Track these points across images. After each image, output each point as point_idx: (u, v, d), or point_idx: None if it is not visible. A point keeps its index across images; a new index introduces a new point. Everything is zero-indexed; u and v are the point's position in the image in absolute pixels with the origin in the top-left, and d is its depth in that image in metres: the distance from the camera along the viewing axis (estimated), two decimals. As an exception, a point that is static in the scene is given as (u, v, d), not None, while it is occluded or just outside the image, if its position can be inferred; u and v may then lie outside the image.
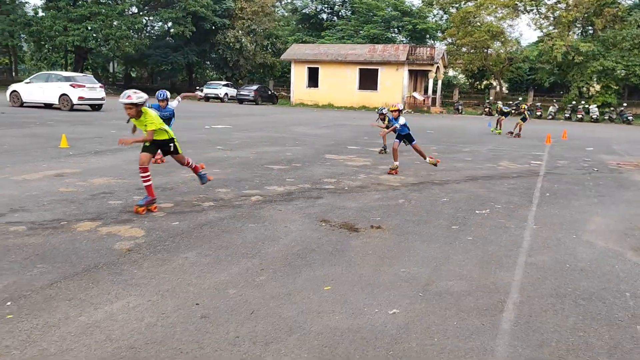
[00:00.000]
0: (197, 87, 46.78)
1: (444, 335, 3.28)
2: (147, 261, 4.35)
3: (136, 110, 5.74)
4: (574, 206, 7.35)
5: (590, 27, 43.48)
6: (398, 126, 9.39)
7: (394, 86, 38.82)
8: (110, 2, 46.91)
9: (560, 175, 10.26)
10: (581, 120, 35.11)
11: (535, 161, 12.26)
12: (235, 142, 13.44)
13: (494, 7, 42.78)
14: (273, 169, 9.41)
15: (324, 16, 57.49)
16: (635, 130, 28.24)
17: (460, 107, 39.22)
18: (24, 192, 6.61)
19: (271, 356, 2.94)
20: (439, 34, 51.26)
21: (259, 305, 3.60)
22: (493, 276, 4.37)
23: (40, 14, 45.55)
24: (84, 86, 22.71)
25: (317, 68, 41.18)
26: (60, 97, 22.42)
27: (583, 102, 37.76)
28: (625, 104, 37.41)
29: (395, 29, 51.44)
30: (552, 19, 42.54)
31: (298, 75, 42.11)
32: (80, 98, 22.35)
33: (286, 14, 63.62)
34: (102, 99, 23.47)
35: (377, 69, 39.35)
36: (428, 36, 51.72)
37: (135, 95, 5.67)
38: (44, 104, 23.12)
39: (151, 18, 53.72)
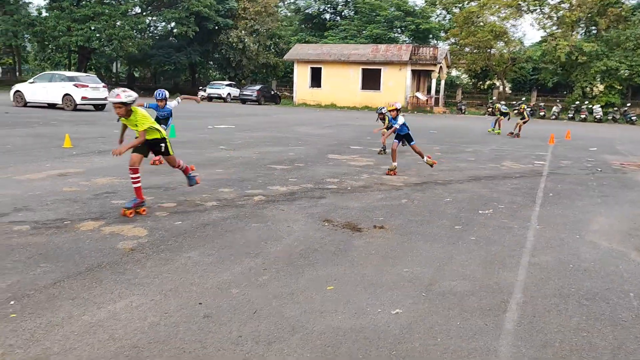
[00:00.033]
0: (200, 87, 46.79)
1: (447, 336, 3.27)
2: (150, 261, 4.36)
3: (125, 109, 5.61)
4: (578, 206, 7.33)
5: (593, 27, 43.40)
6: (397, 126, 9.34)
7: (396, 86, 38.80)
8: (114, 2, 46.97)
9: (564, 175, 10.23)
10: (584, 120, 35.04)
11: (539, 161, 12.23)
12: (238, 142, 13.45)
13: (497, 7, 42.72)
14: (276, 168, 9.41)
15: (327, 16, 57.52)
16: (638, 131, 28.15)
17: (463, 107, 39.18)
18: (27, 192, 6.62)
19: (274, 356, 2.94)
20: (442, 34, 51.24)
21: (262, 304, 3.60)
22: (496, 276, 4.36)
23: (44, 14, 45.65)
24: (87, 86, 22.76)
25: (320, 68, 41.19)
26: (63, 97, 22.47)
27: (586, 102, 37.65)
28: (628, 104, 37.31)
29: (398, 29, 51.45)
30: (555, 18, 42.47)
31: (301, 75, 42.12)
32: (84, 98, 22.39)
33: (289, 14, 63.62)
34: (105, 99, 23.51)
35: (380, 69, 39.32)
36: (431, 36, 51.72)
37: (124, 94, 5.54)
38: (48, 104, 23.17)
39: (154, 18, 53.79)
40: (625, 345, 3.24)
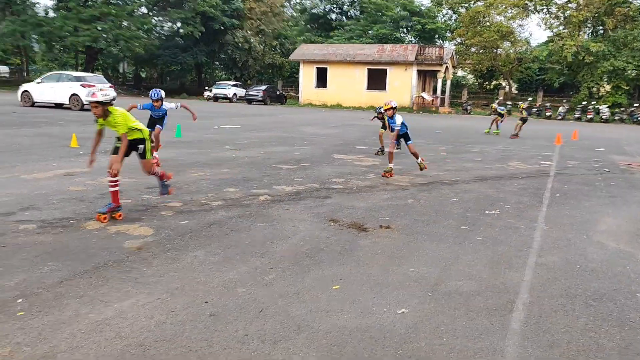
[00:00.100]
0: (206, 87, 46.88)
1: (453, 335, 3.26)
2: (156, 259, 4.37)
3: (103, 109, 5.32)
4: (585, 207, 7.29)
5: (600, 27, 43.15)
6: (398, 127, 8.96)
7: (402, 86, 38.75)
8: (120, 2, 47.16)
9: (571, 175, 10.18)
10: (591, 120, 34.84)
11: (545, 161, 12.18)
12: (244, 142, 13.47)
13: (503, 6, 42.57)
14: (281, 168, 9.42)
15: (333, 16, 57.50)
16: (646, 131, 27.98)
17: (469, 108, 39.05)
18: (34, 191, 6.66)
19: (280, 354, 2.94)
20: (448, 34, 51.10)
21: (268, 303, 3.60)
22: (503, 276, 4.34)
23: (51, 14, 45.87)
24: (94, 86, 22.83)
25: (326, 68, 41.19)
26: (70, 97, 22.58)
27: (593, 102, 37.46)
28: (636, 105, 37.03)
29: (404, 29, 51.37)
30: (562, 18, 42.28)
31: (306, 76, 42.13)
32: (90, 98, 22.44)
33: (295, 14, 63.67)
34: (112, 99, 23.59)
35: (386, 69, 39.28)
36: (437, 36, 51.57)
37: (101, 93, 5.29)
38: (55, 103, 23.30)
39: (160, 18, 53.87)
40: (633, 346, 3.23)
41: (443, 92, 41.28)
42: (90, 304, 3.46)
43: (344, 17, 56.97)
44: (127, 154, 5.64)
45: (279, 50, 55.48)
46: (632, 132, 26.48)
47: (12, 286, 3.67)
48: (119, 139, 5.54)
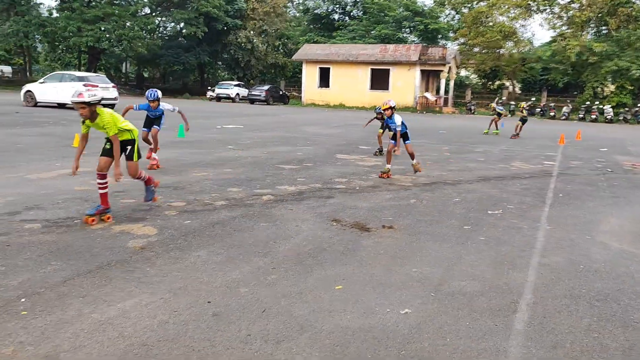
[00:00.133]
0: (209, 87, 46.93)
1: (456, 336, 3.25)
2: (159, 259, 4.37)
3: (90, 110, 5.12)
4: (588, 207, 7.27)
5: (604, 27, 42.98)
6: (399, 128, 8.76)
7: (405, 86, 38.72)
8: (124, 2, 47.25)
9: (574, 175, 10.16)
10: (595, 120, 34.76)
11: (549, 162, 12.16)
12: (247, 142, 13.48)
13: (506, 7, 42.48)
14: (284, 168, 9.42)
15: (336, 16, 57.47)
16: (650, 131, 27.90)
17: (472, 108, 39.01)
18: (38, 191, 6.68)
19: (282, 355, 2.94)
20: (451, 34, 50.99)
21: (271, 303, 3.60)
22: (506, 277, 4.33)
23: (55, 14, 46.03)
24: (97, 86, 22.79)
25: (329, 68, 41.20)
26: (73, 97, 22.59)
27: (597, 102, 37.34)
28: (640, 105, 36.99)
29: (407, 29, 51.32)
30: (565, 18, 42.16)
31: (309, 76, 42.15)
32: (93, 98, 22.50)
33: (298, 14, 63.67)
34: (114, 98, 23.68)
35: (389, 69, 39.26)
36: (440, 36, 51.52)
37: (88, 93, 5.13)
38: (58, 103, 23.34)
39: (163, 19, 54.03)
40: (637, 347, 3.22)
41: (446, 92, 41.25)
42: (93, 303, 3.47)
43: (346, 18, 56.93)
44: (109, 154, 5.45)
45: (281, 51, 55.51)
46: (636, 132, 26.41)
47: (16, 285, 3.68)
48: (108, 140, 5.42)
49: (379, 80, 39.45)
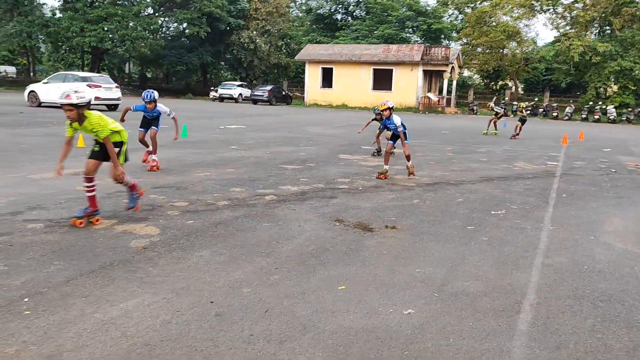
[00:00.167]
0: (212, 88, 46.99)
1: (459, 336, 3.24)
2: (162, 259, 4.37)
3: (77, 113, 4.98)
4: (592, 207, 7.25)
5: (607, 27, 42.94)
6: (402, 128, 8.66)
7: (408, 86, 38.69)
8: (126, 3, 47.34)
9: (577, 176, 10.13)
10: (598, 121, 34.68)
11: (552, 162, 12.13)
12: (250, 142, 13.48)
13: (509, 6, 42.43)
14: (287, 168, 9.42)
15: (339, 16, 57.44)
16: (653, 131, 27.81)
17: (475, 108, 38.95)
18: (41, 191, 6.69)
19: (285, 355, 2.94)
20: (454, 34, 50.98)
21: (273, 304, 3.59)
22: (509, 277, 4.32)
23: (58, 15, 46.12)
24: (101, 86, 22.97)
25: (331, 68, 41.20)
26: (77, 97, 22.65)
27: (600, 102, 37.29)
28: (643, 105, 36.91)
29: (410, 29, 51.27)
30: (569, 18, 42.11)
31: (312, 76, 42.15)
32: (97, 98, 22.56)
33: (300, 14, 63.69)
34: (118, 99, 23.75)
35: (392, 69, 39.24)
36: (443, 36, 51.46)
37: (76, 95, 4.96)
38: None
39: (166, 19, 54.08)
40: (641, 348, 3.20)
41: (449, 92, 41.19)
42: (96, 303, 3.47)
43: (349, 18, 56.91)
44: (104, 158, 5.33)
45: (284, 51, 55.51)
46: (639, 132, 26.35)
47: (19, 285, 3.68)
48: (97, 142, 5.30)
49: (382, 80, 39.43)
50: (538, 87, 50.37)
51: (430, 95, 39.46)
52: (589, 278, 4.37)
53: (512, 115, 19.92)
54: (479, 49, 45.18)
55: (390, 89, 39.02)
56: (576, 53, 37.36)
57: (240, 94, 43.00)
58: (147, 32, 47.32)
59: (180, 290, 3.75)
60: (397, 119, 8.70)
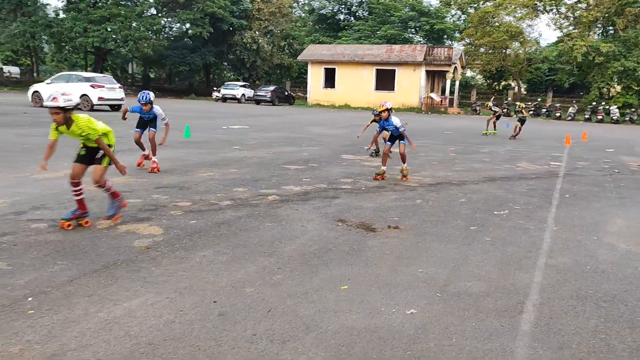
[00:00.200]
0: (215, 88, 47.05)
1: (462, 336, 3.25)
2: (165, 259, 4.38)
3: (64, 116, 4.82)
4: (595, 208, 7.24)
5: (611, 27, 42.85)
6: (403, 128, 8.56)
7: (411, 87, 38.67)
8: (130, 3, 47.40)
9: (580, 176, 10.12)
10: (601, 121, 34.60)
11: (555, 162, 12.11)
12: (252, 142, 13.49)
13: (512, 7, 42.37)
14: (290, 168, 9.42)
15: (341, 17, 57.47)
16: (657, 132, 27.73)
17: (477, 108, 38.90)
18: (45, 190, 6.71)
19: (288, 354, 2.94)
20: (457, 35, 50.95)
21: (276, 303, 3.60)
22: (512, 277, 4.32)
23: (61, 15, 46.25)
24: (104, 87, 23.03)
25: (334, 69, 41.20)
26: (80, 97, 22.72)
27: (603, 103, 37.20)
28: (646, 105, 36.79)
29: (413, 30, 51.25)
30: (572, 19, 42.03)
31: (315, 76, 42.15)
32: (100, 98, 22.65)
33: (303, 14, 63.70)
34: (121, 99, 23.80)
35: (394, 70, 39.23)
36: (446, 36, 51.42)
37: (63, 98, 4.79)
38: (65, 104, 23.42)
39: (169, 19, 54.11)
40: (645, 348, 3.19)
41: (452, 92, 41.15)
42: (99, 302, 3.48)
43: (352, 18, 56.92)
44: (90, 162, 5.20)
45: (287, 51, 55.50)
46: (643, 133, 26.27)
47: (23, 285, 3.70)
48: (83, 146, 5.18)
49: (385, 80, 39.41)
50: (541, 87, 50.30)
51: (433, 95, 39.42)
52: (592, 278, 4.37)
53: (514, 115, 19.87)
54: (482, 49, 45.12)
55: (393, 89, 39.01)
56: (579, 53, 37.29)
57: (243, 95, 43.02)
58: (150, 32, 47.39)
59: (183, 289, 3.76)
60: (396, 120, 8.57)
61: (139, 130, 8.79)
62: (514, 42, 44.25)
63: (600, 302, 3.88)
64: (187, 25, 51.69)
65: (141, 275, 4.00)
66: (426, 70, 38.75)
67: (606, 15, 39.81)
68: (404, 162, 8.86)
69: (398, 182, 8.54)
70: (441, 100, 39.20)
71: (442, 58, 38.05)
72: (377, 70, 39.83)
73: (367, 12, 54.79)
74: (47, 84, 24.06)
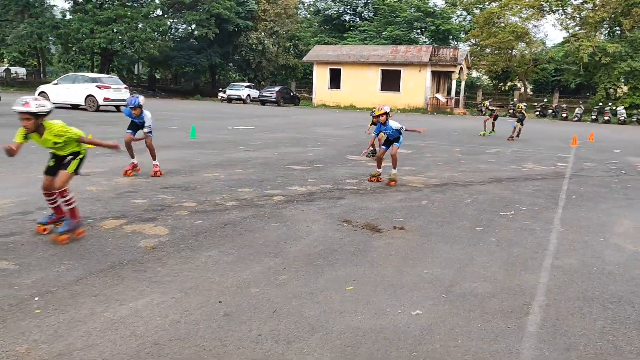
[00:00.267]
0: (220, 89, 47.18)
1: (468, 337, 3.23)
2: (170, 259, 4.39)
3: (35, 122, 4.47)
4: (601, 209, 7.20)
5: (617, 28, 42.65)
6: (405, 128, 8.34)
7: (416, 87, 38.62)
8: (136, 4, 47.59)
9: (587, 177, 10.07)
10: (608, 122, 34.42)
11: (561, 163, 12.06)
12: (258, 143, 13.51)
13: (518, 7, 42.25)
14: (295, 169, 9.43)
15: (347, 17, 57.50)
16: (664, 133, 27.56)
17: (483, 109, 38.74)
18: (51, 191, 6.73)
19: (293, 355, 2.94)
20: (463, 35, 50.87)
21: (282, 304, 3.60)
22: (518, 278, 4.30)
23: (68, 16, 46.52)
24: (110, 87, 23.13)
25: (339, 69, 41.20)
26: (86, 98, 22.86)
27: (610, 103, 37.03)
28: (654, 106, 36.58)
29: (418, 30, 51.22)
30: (578, 19, 41.85)
31: (320, 77, 42.17)
32: (106, 99, 22.75)
33: (308, 15, 63.78)
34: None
35: (400, 70, 39.18)
36: (451, 37, 51.37)
37: (35, 103, 4.44)
38: (71, 104, 23.58)
39: (175, 20, 54.29)
40: (652, 350, 3.17)
41: (457, 93, 41.06)
42: (105, 302, 3.49)
43: (357, 19, 56.94)
44: (54, 172, 4.82)
45: (292, 52, 55.59)
46: (650, 133, 26.12)
47: (29, 284, 3.71)
48: (53, 156, 4.90)
49: (390, 81, 39.38)
50: (547, 88, 50.12)
51: (439, 96, 39.36)
52: (599, 280, 4.34)
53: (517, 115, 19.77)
54: (488, 50, 45.01)
55: (399, 90, 38.98)
56: (585, 54, 37.12)
57: (249, 95, 43.11)
58: (156, 33, 47.57)
59: (188, 289, 3.77)
60: (394, 123, 8.28)
61: (130, 131, 8.43)
62: (519, 43, 44.12)
63: (607, 303, 3.85)
64: (193, 26, 51.79)
65: (147, 275, 4.01)
66: (432, 71, 38.69)
67: (612, 15, 39.61)
68: (394, 167, 8.51)
69: (404, 183, 8.53)
70: (447, 101, 39.13)
71: (448, 59, 37.98)
72: (382, 70, 39.80)
73: (372, 13, 54.81)
74: (54, 84, 24.21)
